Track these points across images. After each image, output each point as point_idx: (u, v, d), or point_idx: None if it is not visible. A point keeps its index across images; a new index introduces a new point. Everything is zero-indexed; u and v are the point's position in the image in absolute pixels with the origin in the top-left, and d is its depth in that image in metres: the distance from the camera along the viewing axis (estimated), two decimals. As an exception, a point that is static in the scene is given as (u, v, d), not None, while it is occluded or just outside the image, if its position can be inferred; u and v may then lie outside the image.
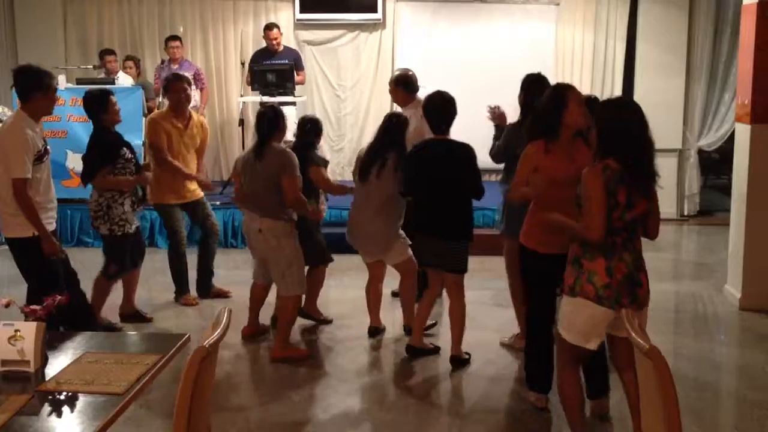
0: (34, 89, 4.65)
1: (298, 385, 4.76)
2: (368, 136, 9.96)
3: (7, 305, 2.92)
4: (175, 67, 9.08)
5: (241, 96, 9.33)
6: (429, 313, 5.20)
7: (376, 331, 5.62)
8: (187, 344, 3.10)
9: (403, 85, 6.16)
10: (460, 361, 5.00)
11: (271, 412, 4.36)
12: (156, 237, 8.34)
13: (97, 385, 2.62)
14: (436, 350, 5.20)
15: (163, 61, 9.32)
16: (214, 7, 10.30)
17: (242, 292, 6.57)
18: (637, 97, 9.53)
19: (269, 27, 9.17)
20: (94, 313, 5.33)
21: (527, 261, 4.19)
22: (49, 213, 4.84)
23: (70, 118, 8.45)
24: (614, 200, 3.35)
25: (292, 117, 9.19)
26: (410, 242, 5.34)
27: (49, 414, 2.44)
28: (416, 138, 5.34)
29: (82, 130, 8.25)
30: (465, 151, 4.85)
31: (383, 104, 9.83)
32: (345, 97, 10.33)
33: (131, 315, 5.86)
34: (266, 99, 8.63)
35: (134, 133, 7.64)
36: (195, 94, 9.31)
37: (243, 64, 9.51)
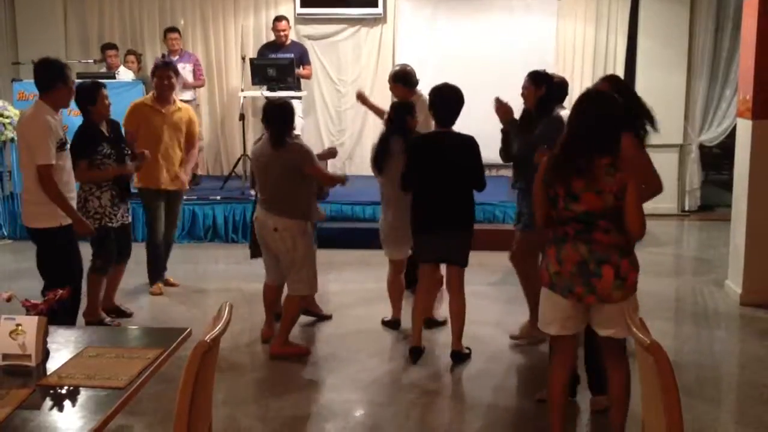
0: (57, 80, 4.75)
1: (298, 381, 4.77)
2: (369, 131, 10.02)
3: (9, 299, 2.92)
4: (175, 58, 9.07)
5: (242, 90, 9.32)
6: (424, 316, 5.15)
7: (397, 323, 5.64)
8: (188, 338, 3.10)
9: (402, 80, 6.16)
10: (461, 356, 5.00)
11: (271, 407, 4.36)
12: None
13: (98, 380, 2.62)
14: (470, 353, 5.10)
15: (163, 55, 9.29)
16: (215, 1, 10.29)
17: (242, 286, 6.61)
18: (639, 92, 9.46)
19: (278, 19, 9.19)
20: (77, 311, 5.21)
21: None
22: (70, 202, 4.91)
23: (70, 112, 8.36)
24: (553, 192, 3.42)
25: (297, 111, 9.20)
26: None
27: (51, 408, 2.44)
28: (423, 130, 5.36)
29: (83, 124, 8.25)
30: (470, 143, 4.87)
31: (384, 99, 9.75)
32: (345, 92, 10.31)
33: (111, 311, 5.82)
34: (269, 94, 8.65)
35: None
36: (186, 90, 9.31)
37: (244, 58, 9.50)
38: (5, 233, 8.35)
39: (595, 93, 3.64)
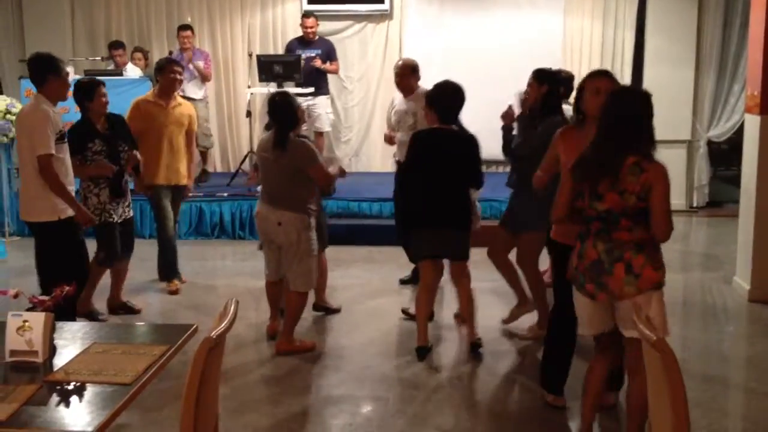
0: (48, 72, 4.80)
1: (305, 376, 4.77)
2: (375, 128, 10.04)
3: (16, 296, 2.93)
4: (187, 56, 9.07)
5: (249, 87, 9.33)
6: (431, 310, 5.14)
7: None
8: (194, 335, 3.10)
9: (416, 71, 6.17)
10: (479, 344, 5.01)
11: (278, 403, 4.37)
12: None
13: (105, 376, 2.62)
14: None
15: (171, 52, 9.31)
16: (222, -2, 10.31)
17: (249, 282, 6.62)
18: (646, 87, 9.44)
19: (306, 15, 9.21)
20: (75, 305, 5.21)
21: (560, 257, 3.99)
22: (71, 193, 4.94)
23: (78, 110, 8.42)
24: (579, 187, 3.44)
25: (327, 107, 9.20)
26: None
27: (58, 404, 2.45)
28: (424, 126, 5.36)
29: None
30: (469, 140, 4.89)
31: (390, 95, 9.77)
32: (352, 89, 10.33)
33: (119, 307, 5.86)
34: (276, 90, 8.64)
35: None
36: (205, 84, 9.33)
37: (251, 55, 9.51)
38: (14, 230, 8.37)
39: (622, 91, 3.64)
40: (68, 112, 7.80)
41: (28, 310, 2.87)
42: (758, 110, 6.13)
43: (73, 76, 8.43)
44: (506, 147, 5.16)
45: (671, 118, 9.15)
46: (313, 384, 4.67)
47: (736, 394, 4.76)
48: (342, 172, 5.45)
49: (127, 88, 8.04)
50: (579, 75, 9.12)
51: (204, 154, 9.55)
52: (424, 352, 5.01)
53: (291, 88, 8.31)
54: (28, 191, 4.83)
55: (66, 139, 4.91)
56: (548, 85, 4.96)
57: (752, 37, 6.41)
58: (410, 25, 10.12)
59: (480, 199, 5.79)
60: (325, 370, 4.89)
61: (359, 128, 10.37)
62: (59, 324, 3.01)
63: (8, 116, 7.92)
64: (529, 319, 5.43)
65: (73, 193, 5.03)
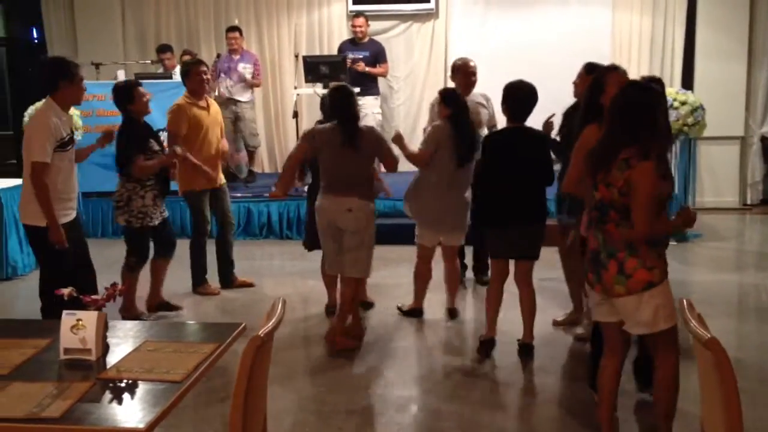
0: (61, 77, 4.76)
1: (354, 375, 4.79)
2: (421, 127, 9.97)
3: (69, 295, 2.98)
4: (236, 57, 9.18)
5: (295, 88, 9.39)
6: (500, 306, 5.13)
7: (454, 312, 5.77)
8: (242, 333, 3.13)
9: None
10: (531, 348, 4.99)
11: (326, 401, 4.38)
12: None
13: (156, 373, 2.66)
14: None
15: (218, 55, 9.42)
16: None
17: (297, 282, 6.67)
18: (697, 83, 9.33)
19: (356, 15, 9.30)
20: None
21: None
22: (67, 204, 4.90)
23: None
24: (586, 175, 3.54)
25: (375, 107, 9.22)
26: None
27: (110, 401, 2.49)
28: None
29: (141, 123, 8.40)
30: (542, 138, 4.95)
31: (436, 95, 9.78)
32: (398, 88, 10.33)
33: (161, 306, 5.89)
34: (322, 91, 8.68)
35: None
36: (243, 90, 9.42)
37: (297, 56, 9.57)
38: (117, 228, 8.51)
39: (627, 85, 3.60)
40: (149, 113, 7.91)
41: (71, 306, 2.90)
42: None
43: (123, 79, 8.66)
44: (553, 149, 5.16)
45: (723, 113, 8.98)
46: (360, 382, 4.68)
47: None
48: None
49: (177, 90, 8.11)
50: (629, 69, 9.08)
51: (252, 154, 9.64)
52: (490, 344, 5.04)
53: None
54: (24, 194, 4.85)
55: (69, 148, 4.85)
56: (594, 76, 4.91)
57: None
58: (456, 23, 10.08)
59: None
60: (373, 368, 4.89)
61: (404, 127, 10.34)
62: (112, 323, 3.07)
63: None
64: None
65: (75, 203, 5.01)
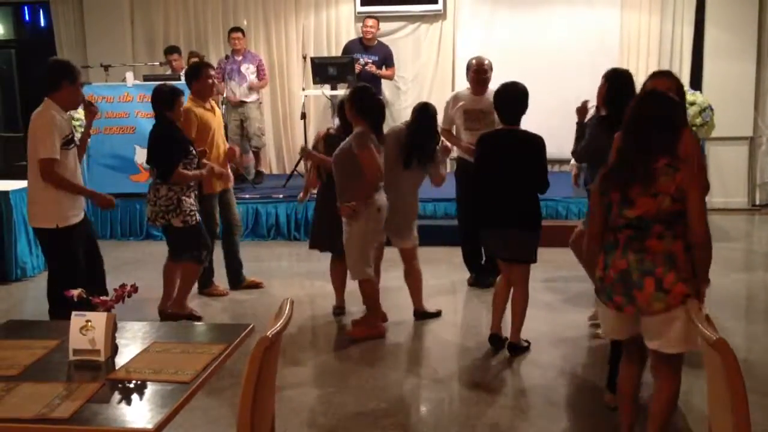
0: (63, 78, 4.79)
1: (361, 374, 4.79)
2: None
3: (78, 297, 3.00)
4: (238, 58, 9.22)
5: (303, 89, 9.40)
6: (506, 304, 5.13)
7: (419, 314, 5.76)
8: (251, 334, 3.14)
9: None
10: (518, 349, 5.00)
11: (332, 402, 4.39)
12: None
13: (165, 374, 2.67)
14: (529, 346, 5.13)
15: (226, 56, 9.46)
16: (277, 1, 10.41)
17: (305, 282, 6.67)
18: (706, 83, 9.30)
19: (368, 17, 9.34)
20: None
21: None
22: (75, 203, 4.91)
23: (138, 114, 8.65)
24: (608, 198, 3.34)
25: None
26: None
27: (119, 402, 2.50)
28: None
29: (150, 125, 8.34)
30: (537, 144, 4.86)
31: (444, 96, 9.70)
32: (406, 90, 10.33)
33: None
34: (330, 92, 8.72)
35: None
36: (248, 91, 9.45)
37: (305, 57, 9.59)
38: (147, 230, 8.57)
39: (648, 93, 3.56)
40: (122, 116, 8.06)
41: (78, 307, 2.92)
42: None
43: (132, 81, 8.71)
44: (582, 153, 5.10)
45: (732, 113, 8.96)
46: (367, 383, 4.68)
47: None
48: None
49: (185, 92, 8.17)
50: (637, 71, 9.07)
51: (257, 155, 9.68)
52: (497, 341, 5.06)
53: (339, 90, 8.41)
54: (31, 196, 4.88)
55: (73, 146, 4.90)
56: (609, 82, 4.90)
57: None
58: (464, 24, 10.08)
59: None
60: (380, 370, 4.89)
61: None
62: (120, 324, 3.08)
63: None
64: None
65: (83, 202, 5.02)
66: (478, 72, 6.16)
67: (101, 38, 10.35)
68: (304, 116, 9.09)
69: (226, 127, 7.63)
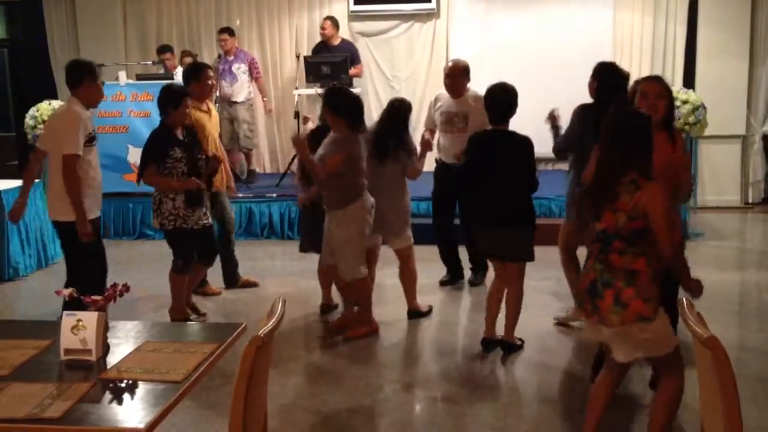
0: (85, 76, 4.93)
1: (353, 373, 4.79)
2: (422, 127, 10.00)
3: (70, 296, 2.99)
4: (230, 58, 9.22)
5: (296, 88, 9.40)
6: (500, 306, 5.13)
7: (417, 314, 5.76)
8: (243, 333, 3.14)
9: (467, 73, 6.19)
10: (512, 347, 5.01)
11: (326, 402, 4.38)
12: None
13: (156, 374, 2.66)
14: (523, 344, 5.13)
15: (220, 56, 9.45)
16: (270, 0, 10.40)
17: (298, 281, 6.67)
18: (699, 81, 9.32)
19: (326, 18, 9.37)
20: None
21: None
22: (95, 200, 5.02)
23: (130, 113, 8.64)
24: (582, 211, 3.40)
25: None
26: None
27: (111, 401, 2.50)
28: (478, 128, 5.38)
29: (143, 125, 8.43)
30: (524, 145, 4.87)
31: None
32: (399, 88, 10.31)
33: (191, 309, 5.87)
34: (323, 91, 8.69)
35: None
36: (250, 86, 9.45)
37: (298, 56, 9.59)
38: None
39: (613, 108, 3.58)
40: (150, 115, 7.98)
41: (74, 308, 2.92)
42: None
43: (125, 80, 8.70)
44: (563, 143, 5.20)
45: (725, 112, 8.98)
46: (360, 382, 4.68)
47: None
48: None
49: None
50: (630, 70, 9.09)
51: (247, 155, 9.68)
52: (489, 345, 5.05)
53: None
54: (53, 190, 4.97)
55: (95, 143, 5.02)
56: (598, 78, 4.98)
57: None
58: (457, 23, 10.08)
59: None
60: (373, 369, 4.90)
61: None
62: (112, 323, 3.07)
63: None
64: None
65: (99, 197, 5.11)
66: (449, 76, 6.18)
67: (94, 37, 10.32)
68: (297, 115, 9.08)
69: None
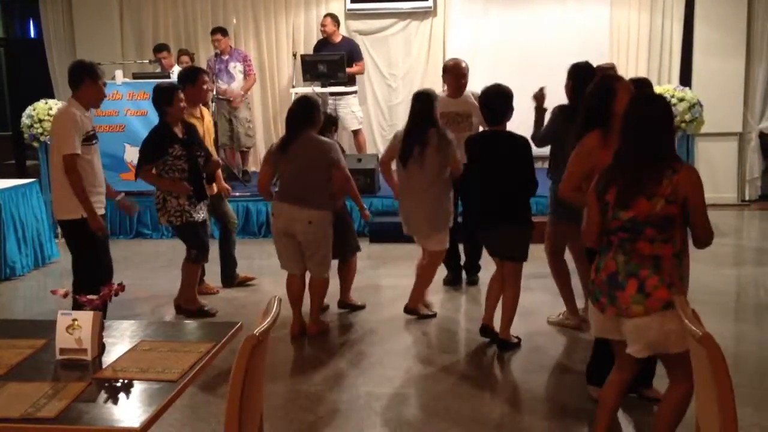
0: (86, 76, 4.97)
1: (350, 371, 4.79)
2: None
3: (65, 295, 2.99)
4: (225, 57, 9.22)
5: (293, 87, 9.39)
6: (500, 294, 5.13)
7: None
8: (239, 332, 3.14)
9: (468, 72, 6.19)
10: (508, 345, 5.02)
11: (323, 399, 4.39)
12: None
13: (152, 373, 2.67)
14: (519, 342, 5.14)
15: (216, 55, 9.44)
16: (266, -1, 10.41)
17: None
18: (695, 79, 9.33)
19: (326, 15, 9.37)
20: None
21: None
22: (100, 197, 5.09)
23: (127, 112, 8.64)
24: (604, 201, 3.28)
25: (353, 106, 9.28)
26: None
27: (106, 401, 2.49)
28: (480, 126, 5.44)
29: (140, 123, 8.43)
30: (520, 144, 4.87)
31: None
32: (396, 87, 10.32)
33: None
34: (320, 90, 8.72)
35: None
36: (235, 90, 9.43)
37: (295, 55, 9.59)
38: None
39: (637, 96, 3.53)
40: (146, 114, 7.98)
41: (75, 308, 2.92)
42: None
43: (122, 79, 8.69)
44: (542, 139, 5.26)
45: (721, 109, 8.98)
46: (357, 380, 4.68)
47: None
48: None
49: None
50: (627, 67, 9.09)
51: (245, 154, 9.68)
52: (487, 332, 5.10)
53: (334, 88, 8.42)
54: (57, 190, 5.03)
55: (95, 142, 5.04)
56: (572, 78, 5.04)
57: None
58: (454, 21, 10.07)
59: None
60: (369, 367, 4.89)
61: (403, 126, 10.34)
62: (108, 322, 3.07)
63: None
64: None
65: (103, 196, 5.14)
66: (457, 76, 6.15)
67: (90, 36, 10.30)
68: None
69: (216, 126, 7.63)
